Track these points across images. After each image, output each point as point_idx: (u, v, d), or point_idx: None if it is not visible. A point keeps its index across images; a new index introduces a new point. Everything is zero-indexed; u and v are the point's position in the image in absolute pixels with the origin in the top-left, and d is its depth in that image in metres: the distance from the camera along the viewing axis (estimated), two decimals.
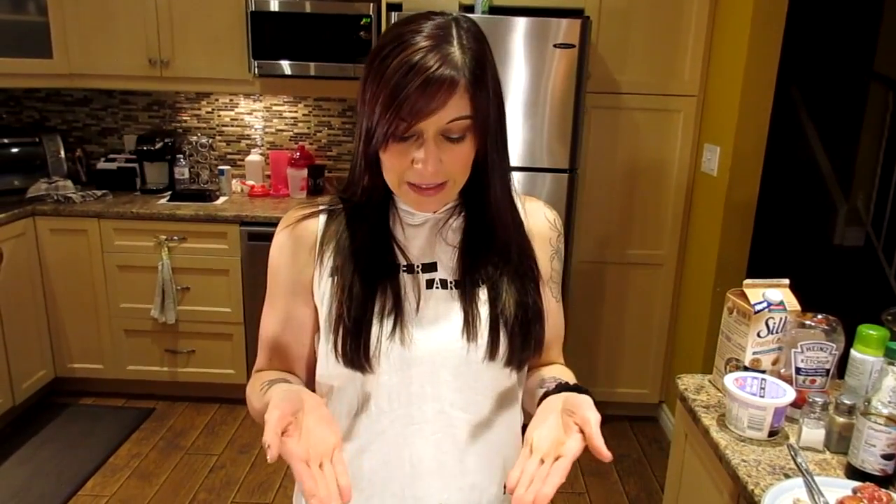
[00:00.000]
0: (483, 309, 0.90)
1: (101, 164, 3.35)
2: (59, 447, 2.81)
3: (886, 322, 1.45)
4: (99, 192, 3.17)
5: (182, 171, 3.33)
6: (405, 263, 0.92)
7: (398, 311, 0.89)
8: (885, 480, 1.16)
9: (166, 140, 3.35)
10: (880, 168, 4.17)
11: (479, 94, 0.81)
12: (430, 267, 0.92)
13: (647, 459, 2.85)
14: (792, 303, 1.47)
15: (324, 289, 0.93)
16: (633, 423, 3.12)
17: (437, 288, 0.91)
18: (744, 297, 1.48)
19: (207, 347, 3.09)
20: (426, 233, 0.93)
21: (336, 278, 0.91)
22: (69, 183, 3.17)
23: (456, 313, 0.90)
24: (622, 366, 3.13)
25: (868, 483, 1.12)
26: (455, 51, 0.79)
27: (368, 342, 0.88)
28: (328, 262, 0.92)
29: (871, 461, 1.17)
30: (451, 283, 0.92)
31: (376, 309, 0.89)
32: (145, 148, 3.31)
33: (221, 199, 3.21)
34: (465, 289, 0.91)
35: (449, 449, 0.93)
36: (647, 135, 2.89)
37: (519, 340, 0.90)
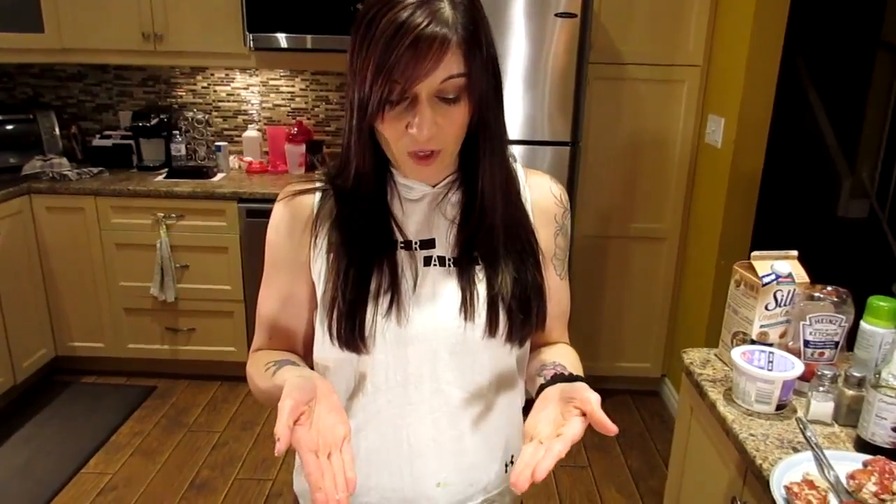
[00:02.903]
0: (481, 287, 0.88)
1: (97, 141, 3.30)
2: (60, 426, 2.81)
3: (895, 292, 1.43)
4: (95, 170, 3.13)
5: (179, 148, 3.29)
6: (402, 240, 0.89)
7: (395, 290, 0.87)
8: (895, 453, 1.15)
9: (162, 116, 3.31)
10: (886, 139, 4.12)
11: (472, 51, 0.77)
12: (429, 244, 0.90)
13: (649, 433, 2.85)
14: (800, 275, 1.45)
15: (320, 266, 0.90)
16: (635, 398, 3.11)
17: (434, 265, 0.89)
18: (751, 269, 1.45)
19: (208, 325, 3.08)
20: (424, 208, 0.90)
21: (332, 256, 0.88)
22: (64, 160, 3.13)
23: (453, 291, 0.88)
24: (624, 340, 3.11)
25: (878, 456, 1.11)
26: (444, 6, 0.75)
27: (363, 323, 0.86)
28: (324, 238, 0.90)
29: (882, 434, 1.15)
30: (448, 260, 0.89)
31: (372, 287, 0.86)
32: (141, 124, 3.27)
33: (219, 176, 3.17)
34: (462, 266, 0.88)
35: (447, 429, 0.92)
36: (651, 106, 2.85)
37: (518, 317, 0.88)
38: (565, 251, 0.99)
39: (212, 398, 3.05)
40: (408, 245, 0.89)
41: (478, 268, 0.89)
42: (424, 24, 0.73)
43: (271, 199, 2.88)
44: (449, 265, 0.89)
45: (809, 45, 4.31)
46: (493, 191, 0.88)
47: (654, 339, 3.11)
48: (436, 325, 0.88)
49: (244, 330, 3.06)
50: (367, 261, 0.87)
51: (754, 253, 1.45)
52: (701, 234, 2.86)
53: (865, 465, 1.08)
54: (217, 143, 3.29)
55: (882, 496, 0.99)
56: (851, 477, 1.05)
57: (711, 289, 2.71)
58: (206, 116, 3.38)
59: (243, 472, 2.56)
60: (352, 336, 0.86)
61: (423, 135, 0.77)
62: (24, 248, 2.93)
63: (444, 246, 0.90)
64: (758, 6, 2.43)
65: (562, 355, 0.97)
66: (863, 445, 1.18)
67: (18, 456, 2.60)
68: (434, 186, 0.89)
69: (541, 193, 0.96)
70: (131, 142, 3.29)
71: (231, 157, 3.34)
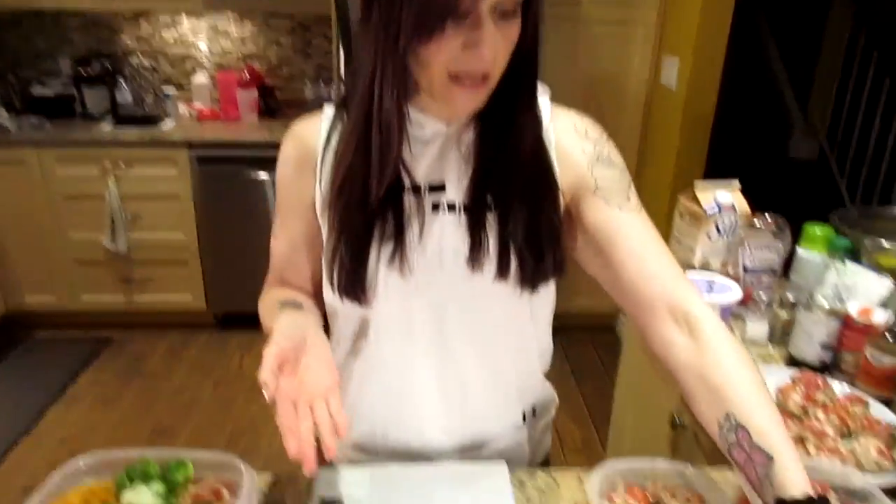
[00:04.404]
0: (492, 234, 0.82)
1: (37, 90, 3.16)
2: (15, 381, 2.76)
3: (834, 222, 1.48)
4: (36, 120, 3.00)
5: (124, 96, 3.18)
6: (410, 184, 0.81)
7: (399, 239, 0.81)
8: (822, 369, 1.20)
9: (105, 63, 3.17)
10: (837, 84, 4.19)
11: None
12: (438, 188, 0.83)
13: (604, 367, 2.93)
14: (742, 205, 1.48)
15: (322, 208, 0.86)
16: (591, 334, 3.18)
17: (443, 212, 0.83)
18: (695, 200, 1.48)
19: (163, 275, 3.03)
20: (435, 150, 0.82)
21: (334, 198, 0.82)
22: (2, 111, 3.00)
23: (462, 241, 0.82)
24: (580, 276, 3.14)
25: (806, 371, 1.16)
26: None
27: (365, 275, 0.82)
28: (328, 177, 0.84)
29: (810, 351, 1.21)
30: (459, 206, 0.82)
31: (375, 235, 0.81)
32: (83, 72, 3.14)
33: (168, 124, 3.08)
34: (473, 213, 0.82)
35: (453, 380, 0.90)
36: (606, 47, 2.83)
37: (530, 263, 0.82)
38: (618, 181, 0.86)
39: (170, 347, 3.03)
40: (416, 189, 0.82)
41: (489, 214, 0.82)
42: None
43: (224, 146, 2.85)
44: (459, 212, 0.82)
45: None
46: (524, 129, 0.80)
47: None
48: (441, 279, 0.84)
49: (200, 278, 3.02)
50: (371, 206, 0.80)
51: (697, 183, 1.48)
52: (655, 174, 2.90)
53: (794, 380, 1.13)
54: (165, 91, 3.18)
55: (805, 405, 1.05)
56: (780, 391, 1.11)
57: (664, 227, 2.76)
58: (152, 63, 3.26)
59: (205, 416, 2.56)
60: (352, 288, 0.83)
61: (484, 54, 0.70)
62: None
63: (455, 191, 0.83)
64: None
65: (753, 405, 0.71)
66: (793, 362, 1.23)
67: None
68: (448, 125, 0.81)
69: (564, 130, 0.86)
70: (74, 90, 3.16)
71: (180, 105, 3.24)
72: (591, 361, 2.96)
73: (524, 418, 0.98)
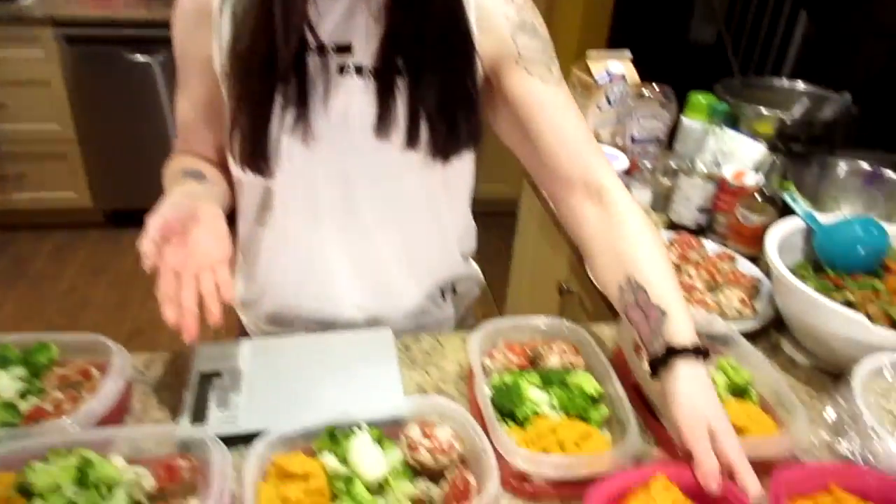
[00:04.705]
0: (401, 100, 0.78)
1: None
2: None
3: (718, 91, 1.51)
4: None
5: None
6: (315, 43, 0.76)
7: (302, 104, 0.77)
8: (698, 231, 1.26)
9: None
10: None
11: None
12: (345, 49, 0.77)
13: (505, 250, 3.00)
14: (632, 75, 1.49)
15: (221, 67, 0.79)
16: (493, 218, 3.20)
17: (350, 75, 0.78)
18: (587, 70, 1.47)
19: (39, 170, 2.79)
20: (343, 7, 0.76)
21: (233, 58, 0.77)
22: None
23: (369, 106, 0.78)
24: (482, 162, 3.13)
25: (683, 233, 1.21)
26: None
27: (266, 144, 0.78)
28: (228, 32, 0.77)
29: (687, 214, 1.26)
30: (367, 69, 0.78)
31: (277, 100, 0.76)
32: None
33: None
34: (382, 77, 0.77)
35: (363, 254, 0.89)
36: None
37: (442, 131, 0.79)
38: (540, 51, 0.83)
39: (56, 247, 2.85)
40: (321, 49, 0.76)
41: (399, 78, 0.77)
42: None
43: (96, 24, 2.58)
44: (367, 76, 0.78)
45: None
46: None
47: (511, 160, 3.16)
48: (347, 147, 0.80)
49: (83, 172, 2.81)
50: (272, 67, 0.74)
51: (590, 52, 1.47)
52: (558, 49, 2.87)
53: (671, 241, 1.18)
54: None
55: (679, 263, 1.10)
56: None
57: None
58: None
59: (98, 315, 2.47)
60: (253, 158, 0.79)
61: None
62: None
63: (363, 53, 0.77)
64: None
65: (652, 268, 0.75)
66: (672, 226, 1.29)
67: None
68: None
69: None
70: None
71: None
72: (493, 245, 3.01)
73: (443, 296, 0.98)
